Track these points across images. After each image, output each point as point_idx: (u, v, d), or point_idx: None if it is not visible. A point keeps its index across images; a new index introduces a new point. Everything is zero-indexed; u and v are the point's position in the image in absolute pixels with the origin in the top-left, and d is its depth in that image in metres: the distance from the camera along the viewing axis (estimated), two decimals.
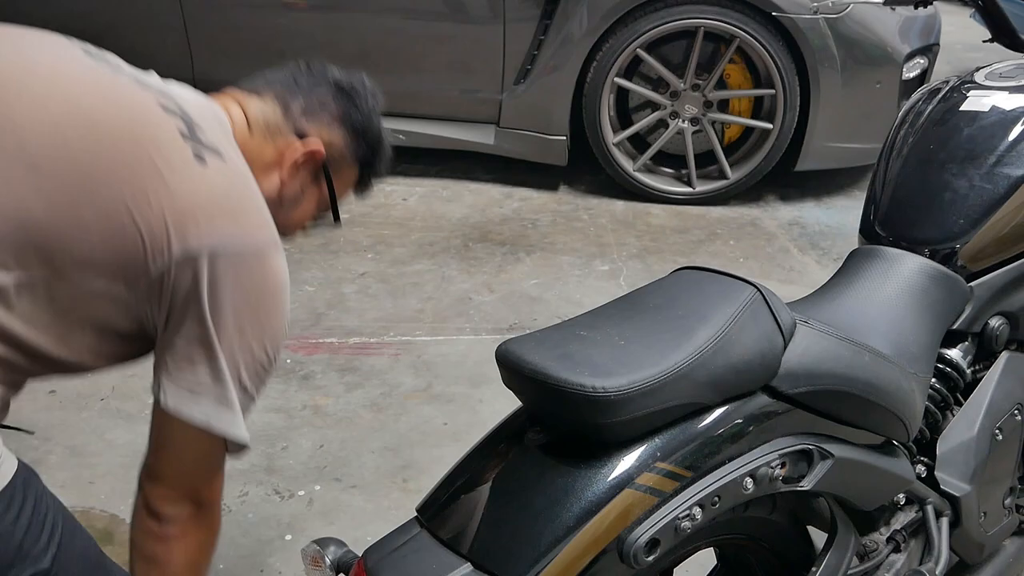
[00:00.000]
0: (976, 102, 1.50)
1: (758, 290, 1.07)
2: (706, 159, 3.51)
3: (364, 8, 3.42)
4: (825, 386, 1.09)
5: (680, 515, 0.97)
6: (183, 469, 1.06)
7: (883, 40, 3.36)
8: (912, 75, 3.49)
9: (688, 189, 3.50)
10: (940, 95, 1.57)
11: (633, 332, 1.03)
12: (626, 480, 0.95)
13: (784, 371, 1.05)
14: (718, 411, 1.02)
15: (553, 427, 1.01)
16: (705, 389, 1.00)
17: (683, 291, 1.10)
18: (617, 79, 3.36)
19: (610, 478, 0.96)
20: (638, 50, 3.30)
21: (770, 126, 3.39)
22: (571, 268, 3.03)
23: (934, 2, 1.83)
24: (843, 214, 3.48)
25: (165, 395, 1.02)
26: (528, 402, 1.04)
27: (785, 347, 1.06)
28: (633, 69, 3.43)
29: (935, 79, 3.61)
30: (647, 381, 0.95)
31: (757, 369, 1.04)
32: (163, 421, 1.03)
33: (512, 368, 0.99)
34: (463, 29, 3.41)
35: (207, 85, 1.33)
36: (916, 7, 1.80)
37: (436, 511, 1.01)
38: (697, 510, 0.98)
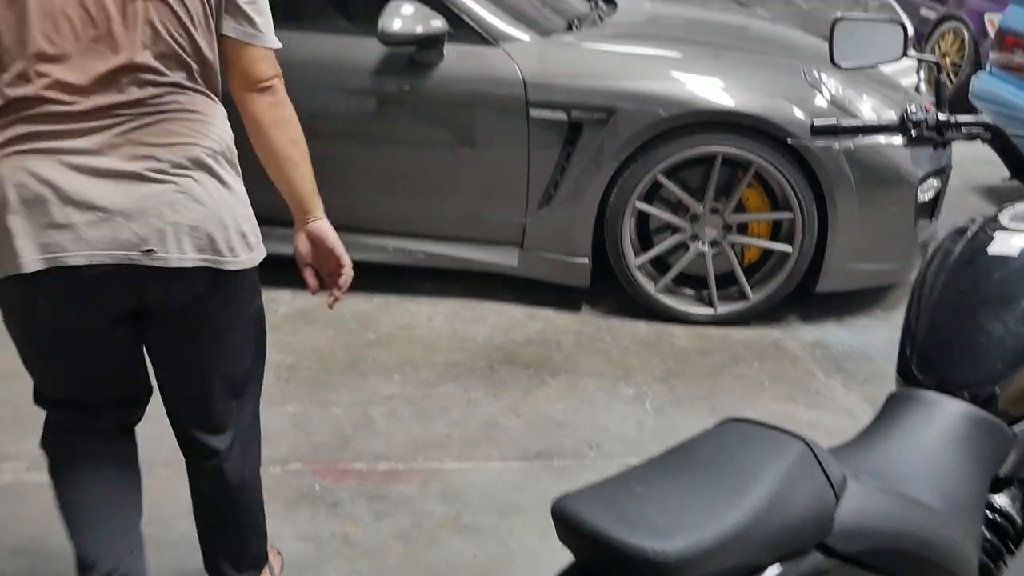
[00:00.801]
0: (1004, 244, 1.54)
1: (807, 444, 1.08)
2: (727, 279, 3.56)
3: (390, 136, 3.53)
4: (879, 544, 1.09)
5: None
6: (267, 56, 1.68)
7: (896, 164, 3.44)
8: (927, 197, 3.57)
9: (709, 311, 3.53)
10: (967, 236, 1.61)
11: (687, 489, 1.04)
12: None
13: (838, 529, 1.06)
14: (773, 572, 1.02)
15: None
16: (760, 549, 1.00)
17: (732, 446, 1.11)
18: (638, 203, 3.44)
19: None
20: (658, 175, 3.40)
21: (789, 248, 3.45)
22: (596, 391, 3.03)
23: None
24: (865, 334, 3.49)
25: (255, 32, 1.65)
26: (584, 559, 1.04)
27: (837, 503, 1.07)
28: (653, 193, 3.51)
29: (948, 197, 3.71)
30: (705, 543, 0.95)
31: (811, 527, 1.04)
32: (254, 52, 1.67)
33: (569, 525, 1.00)
34: (489, 155, 3.52)
35: None
36: (935, 148, 1.86)
37: None
38: None
